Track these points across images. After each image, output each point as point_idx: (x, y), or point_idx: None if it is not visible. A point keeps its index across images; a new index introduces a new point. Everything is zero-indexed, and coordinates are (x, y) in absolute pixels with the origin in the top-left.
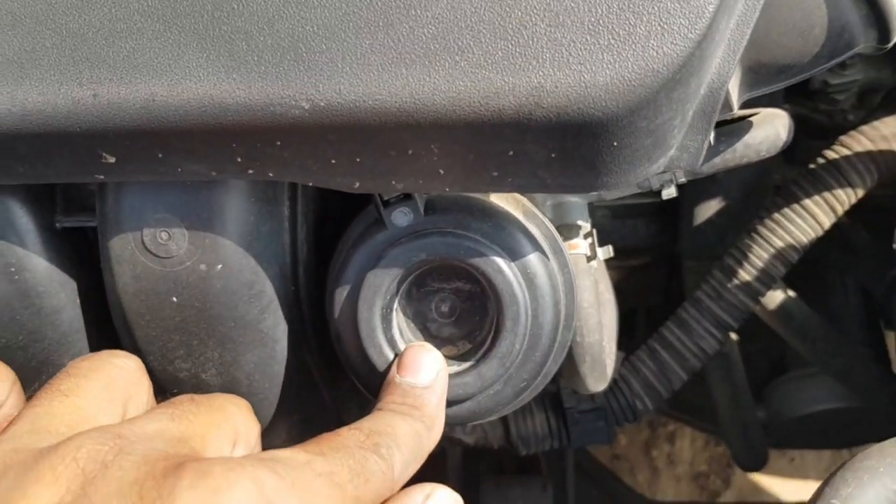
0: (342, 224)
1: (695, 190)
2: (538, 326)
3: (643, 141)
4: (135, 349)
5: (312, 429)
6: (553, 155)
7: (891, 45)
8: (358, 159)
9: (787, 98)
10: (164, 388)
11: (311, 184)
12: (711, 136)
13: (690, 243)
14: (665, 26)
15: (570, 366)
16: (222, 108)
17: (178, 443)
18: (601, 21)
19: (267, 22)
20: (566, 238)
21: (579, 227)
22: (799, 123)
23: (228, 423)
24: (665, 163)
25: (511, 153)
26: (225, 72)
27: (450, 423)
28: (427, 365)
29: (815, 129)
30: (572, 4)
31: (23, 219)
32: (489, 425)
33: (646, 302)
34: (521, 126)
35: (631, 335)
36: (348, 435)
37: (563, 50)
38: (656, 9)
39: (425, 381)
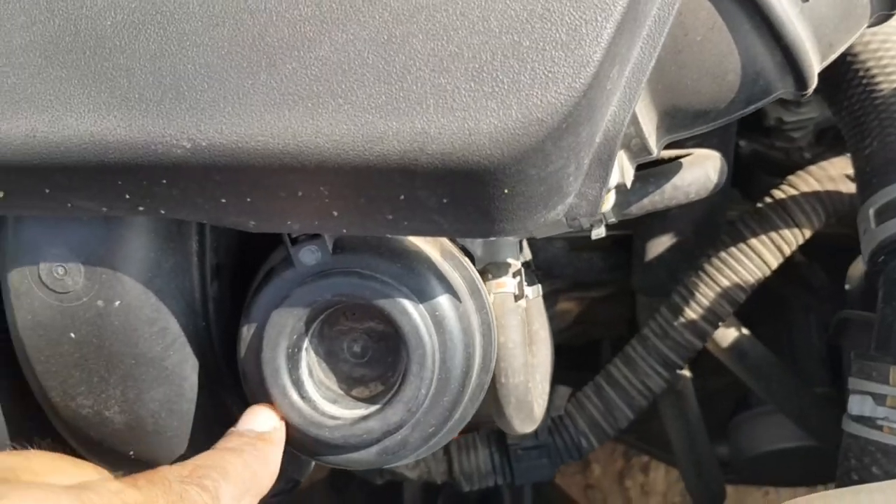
0: (259, 258)
1: (647, 226)
2: (446, 371)
3: (536, 189)
4: (36, 384)
5: None
6: (445, 200)
7: (810, 91)
8: (248, 199)
9: (742, 134)
10: (68, 425)
11: (205, 221)
12: (613, 183)
13: (642, 279)
14: (550, 75)
15: (496, 407)
16: (103, 145)
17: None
18: (486, 68)
19: (149, 59)
20: (495, 276)
21: (508, 266)
22: (756, 160)
23: (71, 472)
24: (564, 210)
25: (402, 197)
26: (106, 108)
27: (356, 468)
28: (264, 417)
29: (772, 166)
30: (457, 50)
31: None
32: (433, 460)
33: (610, 333)
34: (407, 171)
35: (595, 368)
36: (170, 470)
37: (447, 96)
38: (541, 57)
39: (262, 428)
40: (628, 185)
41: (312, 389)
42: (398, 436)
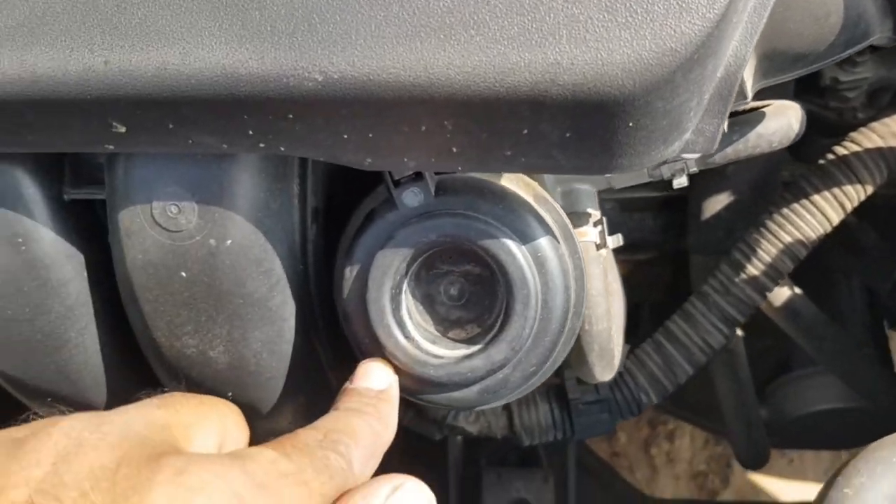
0: (349, 203)
1: (703, 185)
2: (548, 311)
3: (659, 122)
4: (142, 324)
5: (316, 413)
6: (568, 134)
7: None
8: (370, 135)
9: (797, 94)
10: (171, 366)
11: (322, 159)
12: (725, 123)
13: (698, 238)
14: (684, 5)
15: (577, 354)
16: (234, 78)
17: (161, 430)
18: None
19: None
20: (576, 225)
21: (589, 215)
22: (808, 120)
23: (216, 419)
24: (680, 146)
25: (525, 132)
26: (238, 41)
27: (458, 407)
28: (379, 373)
29: (824, 127)
30: None
31: (30, 189)
32: (493, 414)
33: (650, 297)
34: (536, 104)
35: (635, 330)
36: (308, 435)
37: (580, 27)
38: None
39: (379, 385)
40: (725, 129)
41: (414, 330)
42: (500, 374)
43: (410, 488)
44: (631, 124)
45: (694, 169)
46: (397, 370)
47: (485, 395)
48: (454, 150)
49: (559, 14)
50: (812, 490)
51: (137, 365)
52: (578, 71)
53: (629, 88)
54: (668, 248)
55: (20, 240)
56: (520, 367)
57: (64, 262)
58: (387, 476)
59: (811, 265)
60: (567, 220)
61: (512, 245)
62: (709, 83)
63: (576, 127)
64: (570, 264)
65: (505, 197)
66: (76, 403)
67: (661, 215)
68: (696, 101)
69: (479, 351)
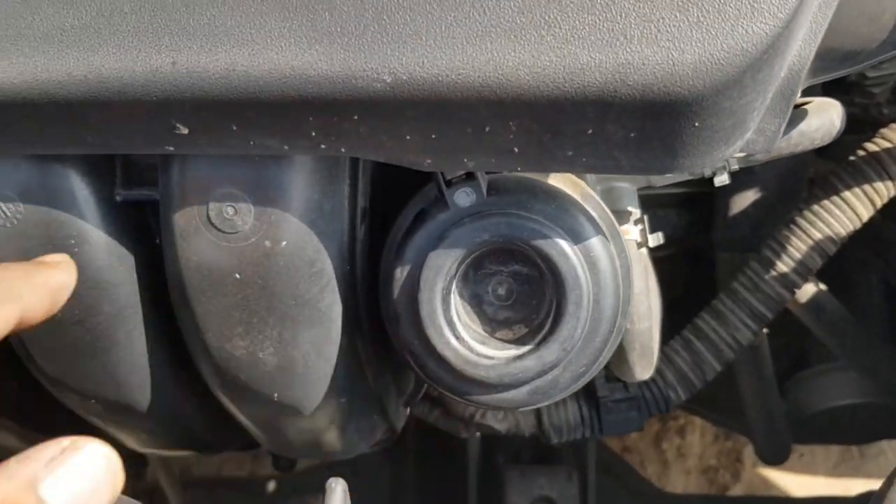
0: (393, 204)
1: (731, 181)
2: (599, 311)
3: (725, 122)
4: (193, 326)
5: (355, 413)
6: (632, 135)
7: None
8: (433, 136)
9: (823, 90)
10: (220, 368)
11: (381, 160)
12: (786, 122)
13: (724, 234)
14: (755, 5)
15: (618, 353)
16: (303, 79)
17: None
18: None
19: None
20: (618, 223)
21: (630, 213)
22: None
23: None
24: (741, 145)
25: (590, 132)
26: (307, 42)
27: (508, 407)
28: None
29: (849, 123)
30: None
31: (84, 191)
32: (521, 413)
33: (668, 294)
34: (604, 104)
35: None
36: None
37: (651, 26)
38: None
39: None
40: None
41: (463, 331)
42: (550, 375)
43: (86, 450)
44: (697, 124)
45: (735, 167)
46: (446, 371)
47: (535, 395)
48: (515, 150)
49: (630, 14)
50: (822, 484)
51: (183, 367)
52: (649, 71)
53: (699, 88)
54: (691, 243)
55: (73, 241)
56: (570, 367)
57: (115, 263)
58: (55, 440)
59: (831, 262)
60: (613, 219)
61: (565, 245)
62: (774, 82)
63: (641, 127)
64: (617, 263)
65: (556, 196)
66: (119, 405)
67: (686, 212)
68: (760, 100)
69: (531, 351)
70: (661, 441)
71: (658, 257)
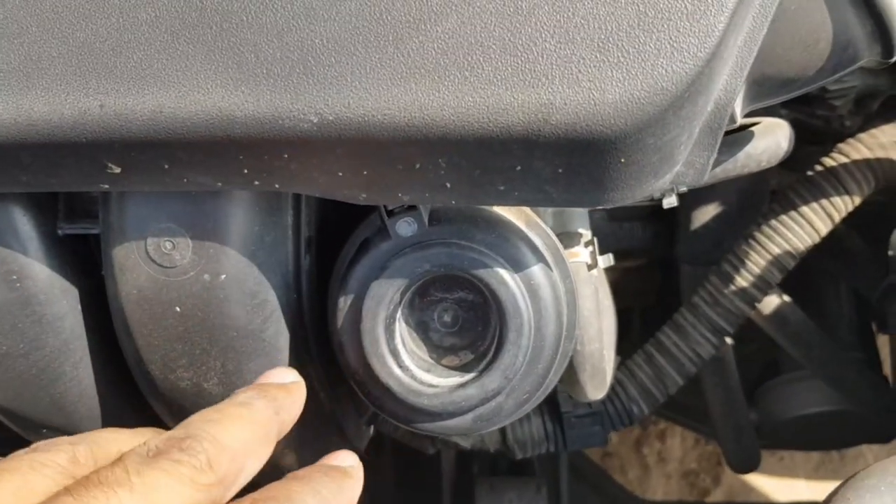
0: (342, 231)
1: (692, 196)
2: (541, 338)
3: (650, 158)
4: (136, 358)
5: (310, 435)
6: (560, 171)
7: (894, 59)
8: (365, 172)
9: (784, 103)
10: (166, 398)
11: (316, 195)
12: (715, 154)
13: (687, 248)
14: (675, 44)
15: (569, 374)
16: (230, 120)
17: None
18: (611, 38)
19: (276, 34)
20: (567, 246)
21: (580, 236)
22: (796, 129)
23: None
24: (671, 178)
25: (518, 168)
26: (234, 84)
27: (451, 434)
28: (343, 455)
29: (811, 135)
30: (582, 21)
31: (25, 226)
32: None
33: (641, 303)
34: (529, 142)
35: (626, 336)
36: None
37: (572, 67)
38: (666, 27)
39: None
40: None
41: (408, 359)
42: (493, 402)
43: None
44: (622, 160)
45: (683, 189)
46: (390, 400)
47: (479, 422)
48: (448, 185)
49: (552, 55)
50: (802, 487)
51: (132, 397)
52: (571, 111)
53: (621, 127)
54: (658, 255)
55: (14, 277)
56: (513, 394)
57: (59, 297)
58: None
59: (800, 271)
60: (559, 245)
61: (505, 274)
62: (699, 118)
63: (568, 164)
64: (561, 288)
65: (497, 225)
66: (69, 435)
67: (651, 225)
68: (686, 135)
69: (473, 380)
70: (642, 446)
71: (629, 267)
